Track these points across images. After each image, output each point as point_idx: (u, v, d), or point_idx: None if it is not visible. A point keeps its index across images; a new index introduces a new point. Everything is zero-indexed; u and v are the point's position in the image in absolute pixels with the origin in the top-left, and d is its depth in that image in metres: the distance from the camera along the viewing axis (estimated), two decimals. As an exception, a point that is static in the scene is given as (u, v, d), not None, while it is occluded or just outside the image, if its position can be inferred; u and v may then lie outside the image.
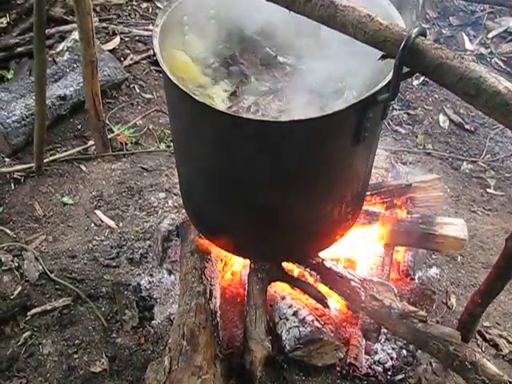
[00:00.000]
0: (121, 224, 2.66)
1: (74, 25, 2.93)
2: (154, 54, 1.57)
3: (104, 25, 3.79)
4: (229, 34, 1.95)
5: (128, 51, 3.66)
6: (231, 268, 2.36)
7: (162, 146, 3.15)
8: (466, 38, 3.99)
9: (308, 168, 1.61)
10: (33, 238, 2.59)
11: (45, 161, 2.89)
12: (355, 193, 1.80)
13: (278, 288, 2.24)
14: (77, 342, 2.20)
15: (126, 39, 3.74)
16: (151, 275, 2.41)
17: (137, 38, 3.77)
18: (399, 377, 2.10)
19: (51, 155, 2.98)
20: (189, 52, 1.87)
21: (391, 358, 2.15)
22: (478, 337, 2.28)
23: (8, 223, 2.65)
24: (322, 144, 1.53)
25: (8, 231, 2.60)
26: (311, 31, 1.83)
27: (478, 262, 2.60)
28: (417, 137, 3.32)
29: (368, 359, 2.14)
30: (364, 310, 1.98)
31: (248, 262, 2.22)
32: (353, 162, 1.68)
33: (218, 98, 1.80)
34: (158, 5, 4.07)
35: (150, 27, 3.81)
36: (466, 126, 3.38)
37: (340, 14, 1.27)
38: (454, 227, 2.24)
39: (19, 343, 2.19)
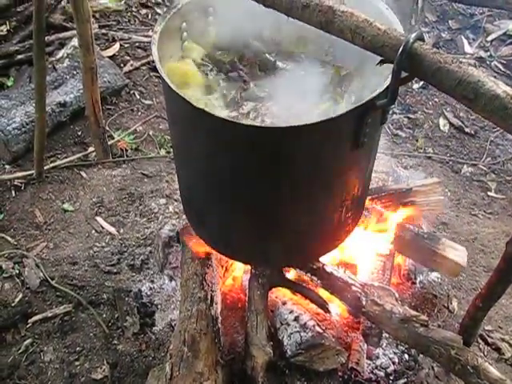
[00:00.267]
0: (121, 230, 2.66)
1: (74, 31, 2.94)
2: (154, 61, 1.58)
3: (103, 31, 3.80)
4: (228, 41, 1.95)
5: (128, 57, 3.67)
6: (232, 274, 2.36)
7: (163, 152, 3.16)
8: (465, 41, 4.00)
9: (307, 173, 1.60)
10: (33, 245, 2.59)
11: (45, 168, 2.90)
12: (355, 197, 1.80)
13: (279, 293, 2.24)
14: (78, 348, 2.20)
15: (126, 45, 3.75)
16: (152, 281, 2.40)
17: (136, 44, 3.78)
18: (401, 381, 2.10)
19: (51, 162, 2.99)
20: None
21: (393, 363, 2.14)
22: (480, 341, 2.28)
23: (9, 230, 2.65)
24: (320, 149, 1.53)
25: (9, 238, 2.60)
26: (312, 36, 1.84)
27: (479, 266, 2.60)
28: (417, 140, 3.32)
29: (370, 364, 2.13)
30: (365, 314, 1.98)
31: (249, 267, 2.22)
32: (352, 166, 1.68)
33: (217, 104, 1.80)
34: (158, 11, 4.08)
35: (150, 33, 3.82)
36: (467, 130, 3.38)
37: (338, 19, 1.27)
38: (456, 252, 2.24)
39: (20, 351, 2.19)
